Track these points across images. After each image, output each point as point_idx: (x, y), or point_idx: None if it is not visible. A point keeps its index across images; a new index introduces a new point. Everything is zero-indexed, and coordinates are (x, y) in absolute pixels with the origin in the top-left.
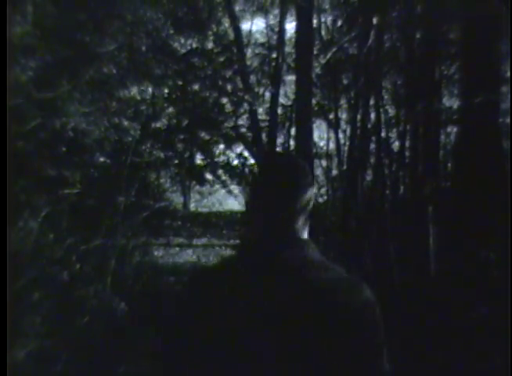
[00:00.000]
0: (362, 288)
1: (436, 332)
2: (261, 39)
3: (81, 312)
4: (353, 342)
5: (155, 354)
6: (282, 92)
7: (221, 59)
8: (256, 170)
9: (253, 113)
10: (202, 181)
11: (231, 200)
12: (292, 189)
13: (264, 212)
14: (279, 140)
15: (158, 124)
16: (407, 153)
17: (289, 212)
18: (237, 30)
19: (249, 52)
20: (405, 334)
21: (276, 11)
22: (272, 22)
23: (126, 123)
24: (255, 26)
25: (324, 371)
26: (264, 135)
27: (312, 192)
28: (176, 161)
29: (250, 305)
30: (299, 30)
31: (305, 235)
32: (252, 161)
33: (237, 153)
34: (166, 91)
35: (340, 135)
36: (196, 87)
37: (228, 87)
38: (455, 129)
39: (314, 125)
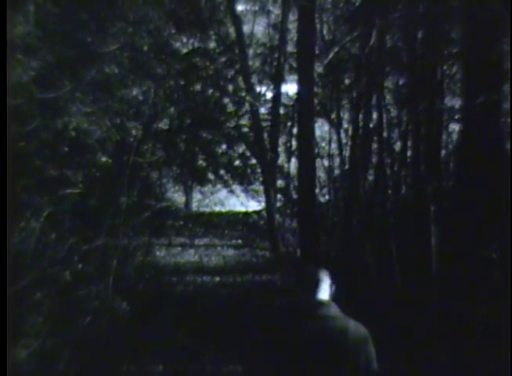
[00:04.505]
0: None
1: (437, 331)
2: (263, 39)
3: (82, 311)
4: None
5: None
6: (284, 91)
7: (223, 58)
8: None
9: (255, 113)
10: (204, 181)
11: (233, 200)
12: None
13: None
14: (281, 140)
15: (160, 124)
16: (409, 153)
17: None
18: (239, 30)
19: (251, 51)
20: (406, 332)
21: (278, 11)
22: (273, 22)
23: (128, 123)
24: (257, 26)
25: None
26: (266, 135)
27: None
28: (178, 161)
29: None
30: (301, 30)
31: None
32: (254, 161)
33: (239, 153)
34: (168, 91)
35: (342, 135)
36: (197, 87)
37: (230, 87)
38: (457, 129)
39: (316, 125)
